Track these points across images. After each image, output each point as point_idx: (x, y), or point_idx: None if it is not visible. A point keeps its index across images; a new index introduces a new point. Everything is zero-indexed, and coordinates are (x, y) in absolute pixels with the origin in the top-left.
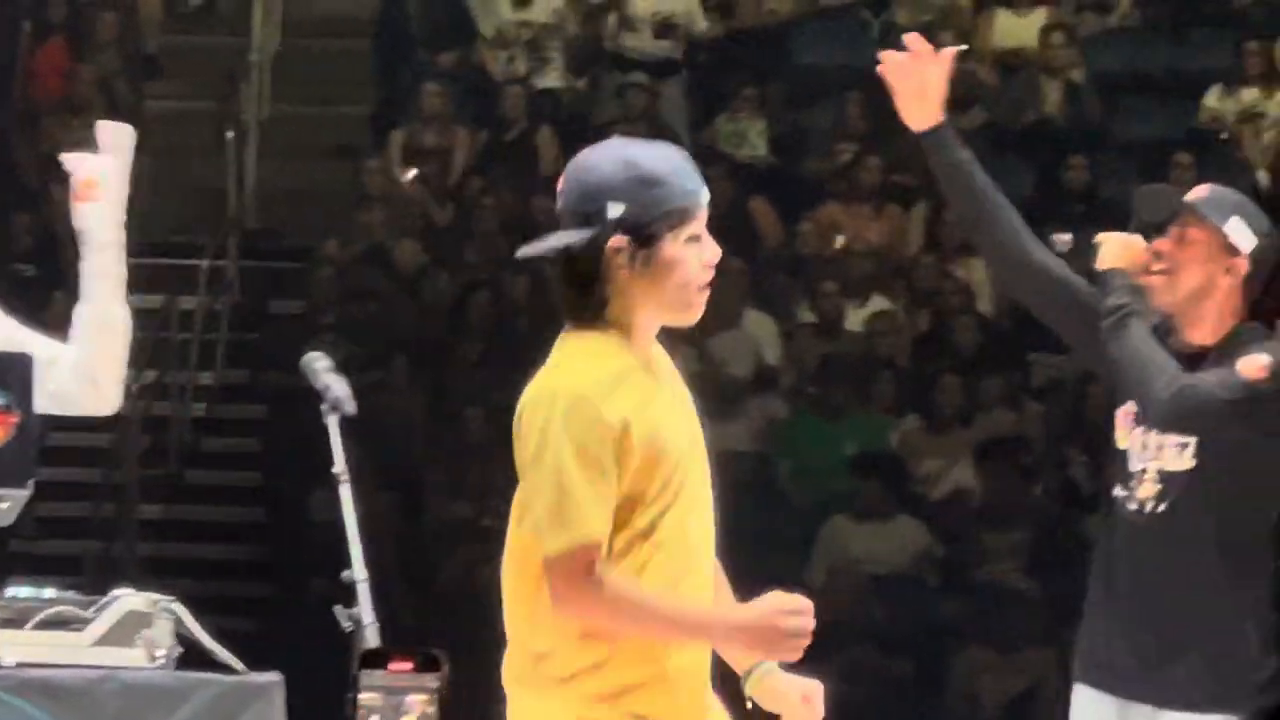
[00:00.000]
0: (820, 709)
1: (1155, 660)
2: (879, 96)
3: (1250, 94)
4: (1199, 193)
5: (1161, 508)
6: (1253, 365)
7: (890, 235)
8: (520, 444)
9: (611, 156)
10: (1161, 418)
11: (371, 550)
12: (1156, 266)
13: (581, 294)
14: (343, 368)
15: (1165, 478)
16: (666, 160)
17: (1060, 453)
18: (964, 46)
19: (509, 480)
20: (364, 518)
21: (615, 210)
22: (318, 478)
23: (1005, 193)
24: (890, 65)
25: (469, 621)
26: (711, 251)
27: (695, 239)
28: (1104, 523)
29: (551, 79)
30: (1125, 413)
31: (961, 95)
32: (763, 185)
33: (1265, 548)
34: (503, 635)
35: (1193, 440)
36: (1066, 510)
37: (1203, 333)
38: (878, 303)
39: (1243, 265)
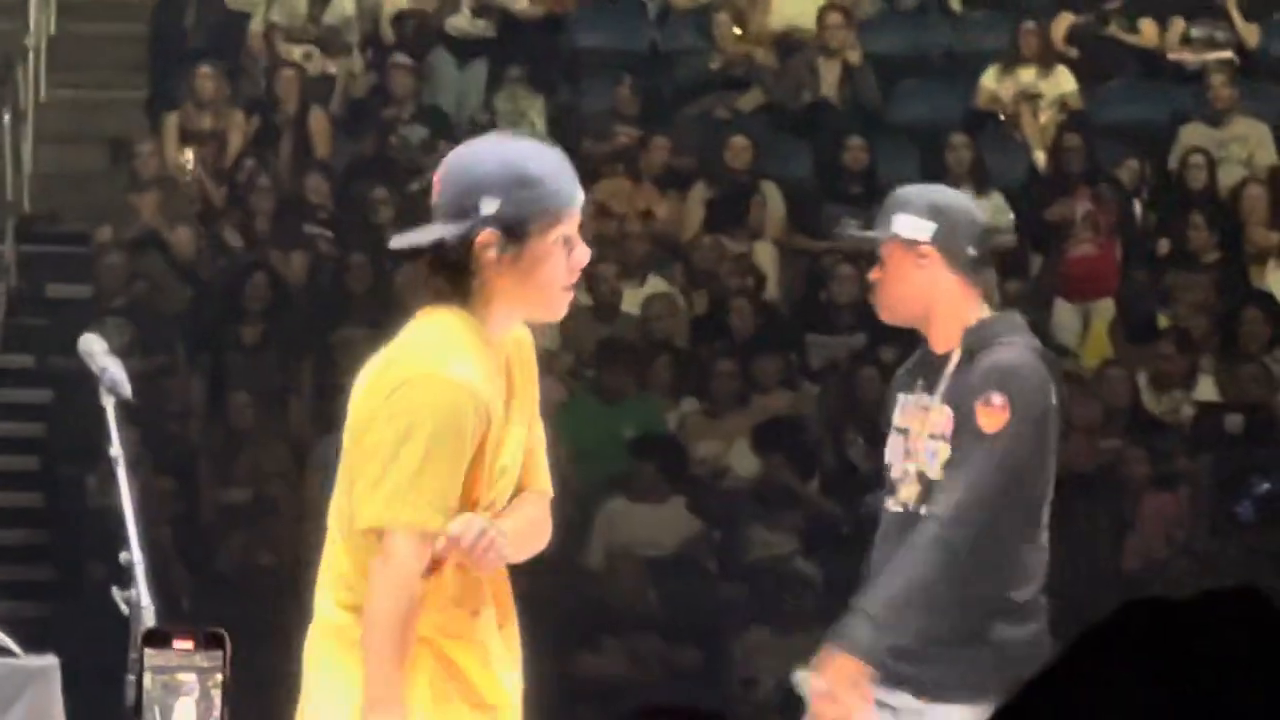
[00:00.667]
0: None
1: (917, 652)
2: (650, 79)
3: (1027, 74)
4: (880, 210)
5: (923, 509)
6: (991, 418)
7: (667, 217)
8: (374, 421)
9: (490, 153)
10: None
11: (149, 534)
12: (872, 284)
13: (450, 284)
14: (127, 352)
15: (925, 481)
16: (544, 161)
17: (838, 434)
18: (738, 30)
19: (282, 465)
20: (142, 501)
21: (489, 206)
22: (97, 462)
23: (783, 174)
24: None
25: (246, 604)
26: (581, 253)
27: (566, 240)
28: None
29: (329, 63)
30: (893, 438)
31: (739, 76)
32: None
33: (1030, 538)
34: (280, 615)
35: (943, 450)
36: (844, 491)
37: (939, 337)
38: (655, 284)
39: (930, 252)
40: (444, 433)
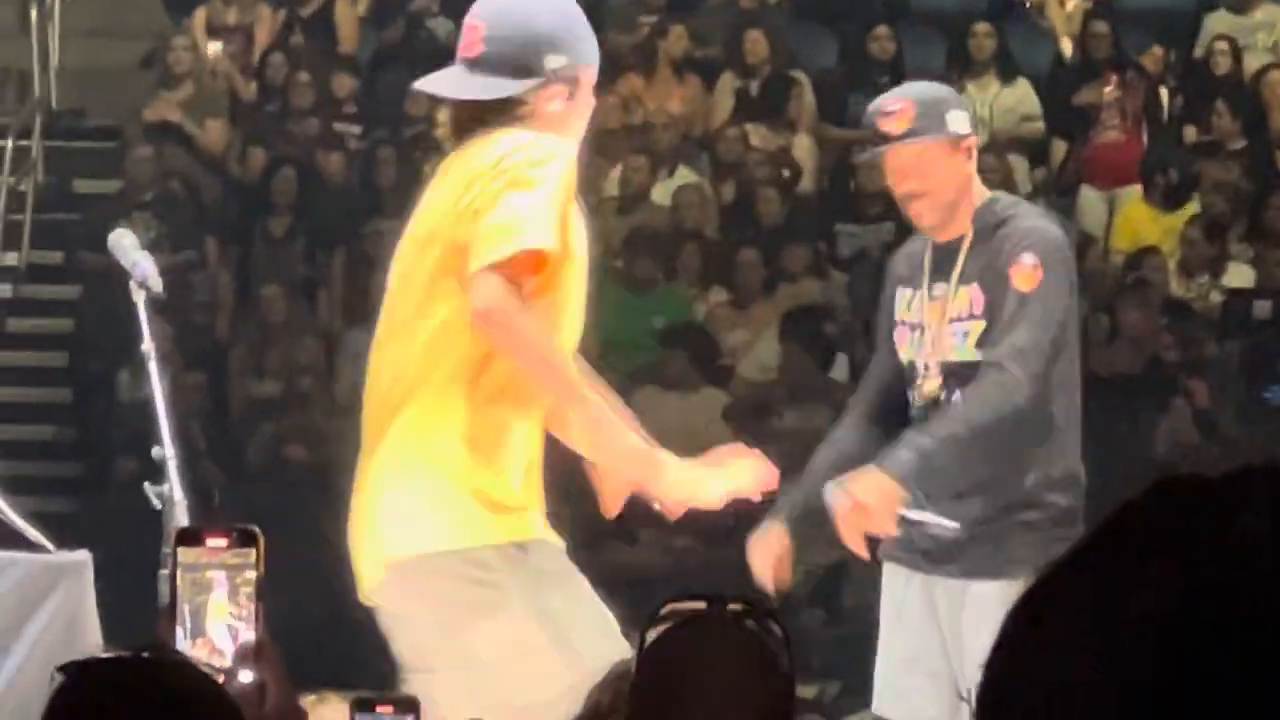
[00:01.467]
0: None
1: (962, 538)
2: None
3: None
4: (909, 118)
5: (955, 397)
6: (1026, 278)
7: (694, 106)
8: (492, 173)
9: (542, 7)
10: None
11: (180, 429)
12: (914, 201)
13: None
14: (155, 247)
15: (948, 369)
16: (581, 13)
17: (867, 322)
18: None
19: (313, 358)
20: (172, 396)
21: (555, 62)
22: (127, 357)
23: (811, 64)
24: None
25: (277, 497)
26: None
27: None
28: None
29: None
30: (901, 331)
31: None
32: None
33: (1067, 408)
34: (312, 508)
35: (975, 327)
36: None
37: (958, 224)
38: (684, 175)
39: (973, 142)
40: (557, 175)
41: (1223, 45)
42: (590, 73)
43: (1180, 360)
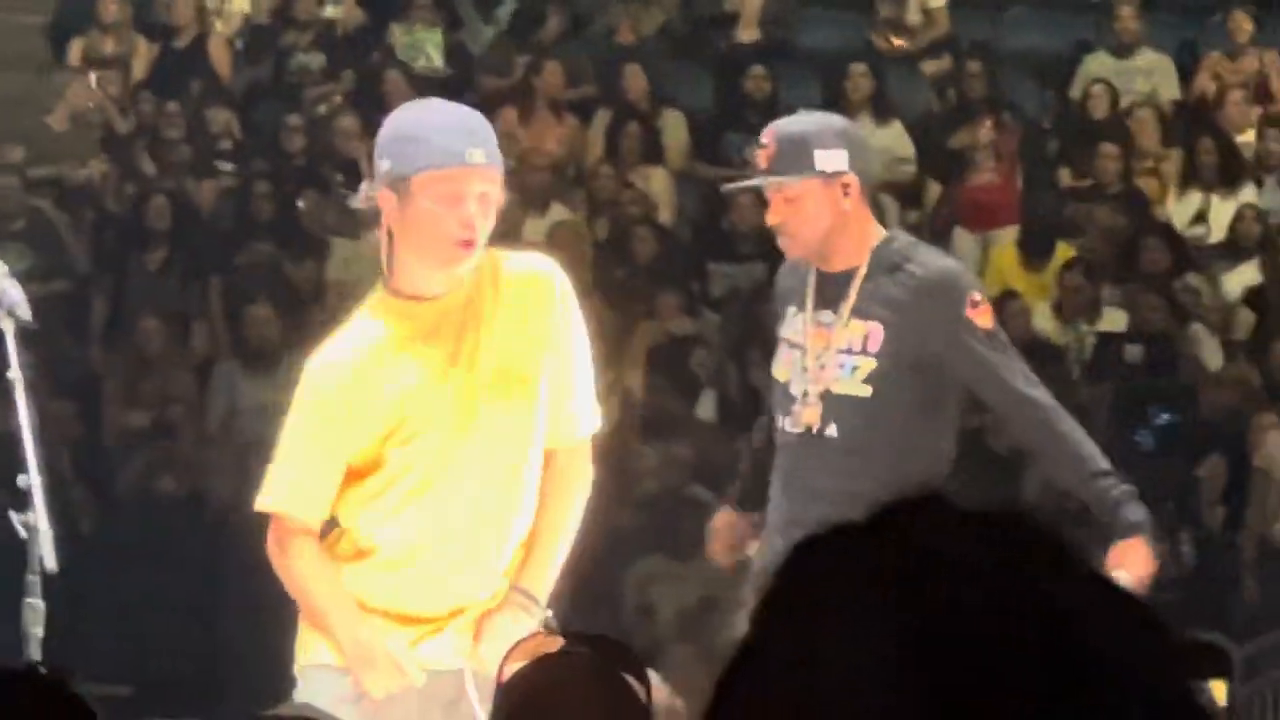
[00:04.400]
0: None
1: None
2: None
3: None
4: (768, 155)
5: (830, 430)
6: (984, 316)
7: (569, 145)
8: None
9: (394, 118)
10: None
11: (48, 458)
12: (781, 235)
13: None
14: (26, 277)
15: (830, 400)
16: (432, 120)
17: (740, 360)
18: None
19: (185, 388)
20: (41, 426)
21: (383, 166)
22: None
23: (686, 102)
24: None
25: (146, 529)
26: (465, 211)
27: (454, 197)
28: (775, 448)
29: None
30: (782, 349)
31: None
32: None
33: (951, 443)
34: (179, 539)
35: (865, 363)
36: (743, 417)
37: (846, 256)
38: (558, 212)
39: (852, 180)
40: (309, 421)
41: (1099, 89)
42: (427, 178)
43: None
